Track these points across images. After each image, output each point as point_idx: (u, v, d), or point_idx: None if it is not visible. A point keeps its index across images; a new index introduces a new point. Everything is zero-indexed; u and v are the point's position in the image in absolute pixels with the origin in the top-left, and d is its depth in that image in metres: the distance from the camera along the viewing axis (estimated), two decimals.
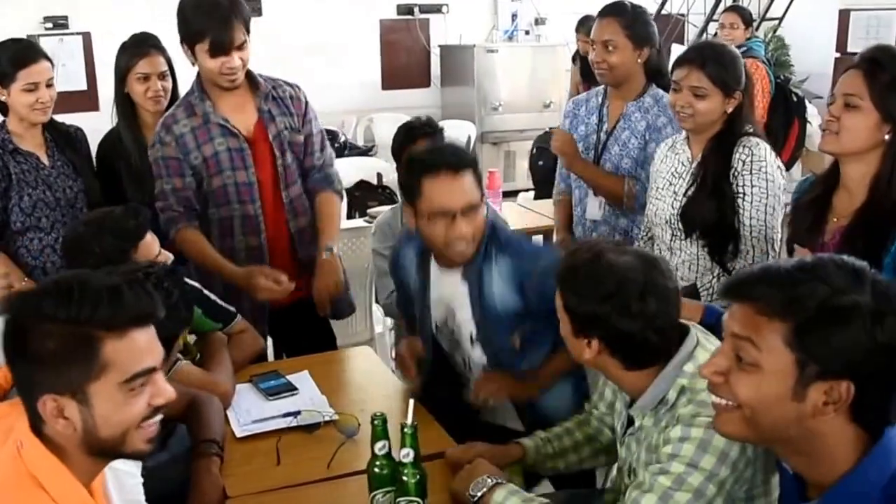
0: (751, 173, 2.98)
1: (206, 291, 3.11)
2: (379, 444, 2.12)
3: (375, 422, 2.12)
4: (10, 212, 3.39)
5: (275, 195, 3.44)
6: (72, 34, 7.98)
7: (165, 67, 3.76)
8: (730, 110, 3.05)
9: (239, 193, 3.37)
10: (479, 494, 2.20)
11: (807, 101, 7.96)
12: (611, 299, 2.02)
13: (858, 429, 1.54)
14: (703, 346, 2.09)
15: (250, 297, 3.31)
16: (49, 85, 3.42)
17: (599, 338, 2.07)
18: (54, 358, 1.56)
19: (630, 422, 2.22)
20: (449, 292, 2.80)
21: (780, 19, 9.69)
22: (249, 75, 3.38)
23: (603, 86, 3.79)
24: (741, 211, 3.00)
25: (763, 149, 3.01)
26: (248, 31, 3.25)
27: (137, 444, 1.67)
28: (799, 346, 1.51)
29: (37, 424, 1.63)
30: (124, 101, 3.78)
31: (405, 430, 2.09)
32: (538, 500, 2.18)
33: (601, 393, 2.52)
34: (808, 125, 7.66)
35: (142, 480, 2.01)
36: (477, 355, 2.84)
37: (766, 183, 2.98)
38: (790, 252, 2.72)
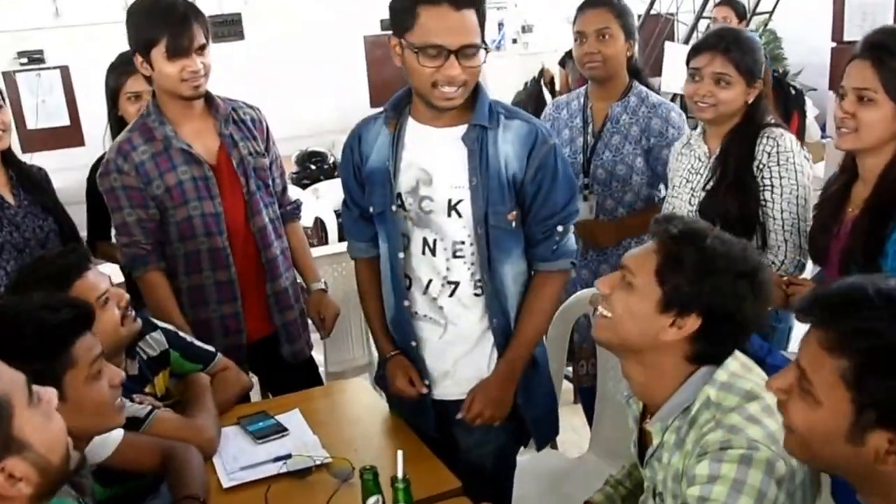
0: (778, 165, 2.89)
1: (181, 333, 2.97)
2: (371, 500, 2.00)
3: (366, 476, 2.01)
4: None
5: (242, 226, 3.25)
6: (49, 68, 7.84)
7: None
8: (751, 100, 2.96)
9: (206, 225, 3.15)
10: None
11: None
12: (739, 276, 1.85)
13: None
14: (735, 356, 1.92)
15: (224, 333, 3.18)
16: None
17: (700, 314, 1.86)
18: None
19: (641, 437, 2.07)
20: (427, 153, 2.55)
21: (771, 13, 9.60)
22: (208, 96, 3.18)
23: (584, 87, 3.68)
24: (770, 204, 2.90)
25: (788, 139, 2.92)
26: (207, 37, 3.05)
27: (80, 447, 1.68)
28: (857, 387, 1.40)
29: None
30: (118, 124, 3.59)
31: (397, 484, 1.96)
32: None
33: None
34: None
35: None
36: (453, 229, 2.56)
37: (794, 174, 2.89)
38: (811, 252, 2.71)
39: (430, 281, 2.62)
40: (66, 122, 7.65)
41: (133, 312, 2.68)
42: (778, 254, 2.90)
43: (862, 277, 1.52)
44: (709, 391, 1.88)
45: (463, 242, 2.56)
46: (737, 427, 1.81)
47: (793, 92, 6.17)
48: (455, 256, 2.57)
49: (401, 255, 2.61)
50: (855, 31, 8.57)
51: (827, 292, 1.51)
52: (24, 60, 7.73)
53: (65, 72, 7.82)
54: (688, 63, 3.02)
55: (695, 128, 3.23)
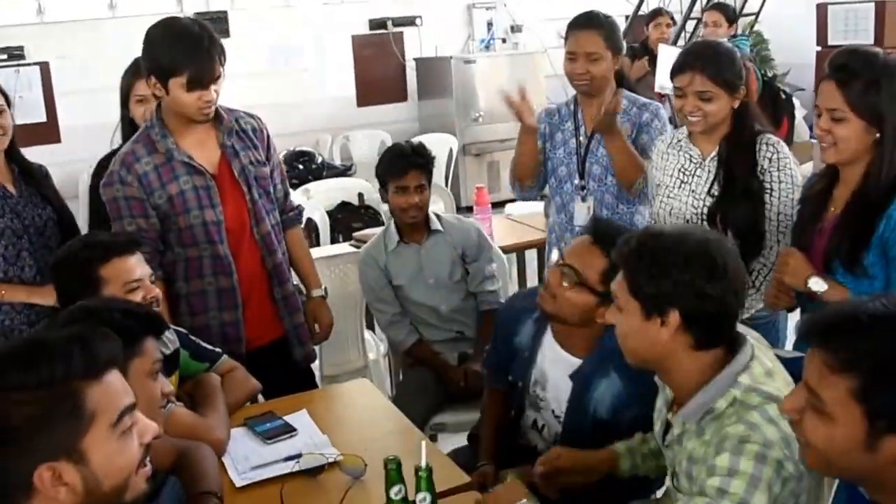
0: (778, 170, 3.03)
1: (190, 336, 2.99)
2: (395, 489, 2.04)
3: (390, 466, 2.04)
4: None
5: (245, 233, 3.28)
6: (28, 65, 7.78)
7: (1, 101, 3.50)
8: (736, 105, 3.05)
9: (207, 233, 3.18)
10: None
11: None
12: (692, 265, 1.98)
13: None
14: (758, 360, 2.04)
15: (223, 341, 3.20)
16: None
17: (680, 308, 2.00)
18: (39, 424, 1.47)
19: (668, 425, 2.17)
20: (551, 370, 2.77)
21: (757, 14, 9.67)
22: None
23: (573, 95, 3.80)
24: (769, 207, 3.02)
25: (783, 146, 3.07)
26: (223, 66, 3.09)
27: (139, 485, 1.63)
28: (867, 400, 1.48)
29: None
30: (128, 125, 3.64)
31: (420, 472, 2.01)
32: None
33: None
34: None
35: None
36: (555, 430, 2.78)
37: (791, 179, 3.02)
38: (795, 245, 2.80)
39: None
40: (42, 118, 7.59)
41: (158, 308, 2.71)
42: (769, 255, 3.00)
43: (850, 302, 1.67)
44: (735, 393, 1.99)
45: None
46: (756, 425, 1.93)
47: (783, 96, 6.19)
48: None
49: None
50: (838, 37, 8.73)
51: (824, 317, 1.59)
52: (4, 57, 7.67)
53: (44, 68, 7.76)
54: (672, 79, 3.12)
55: (676, 127, 3.30)
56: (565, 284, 2.59)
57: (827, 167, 2.77)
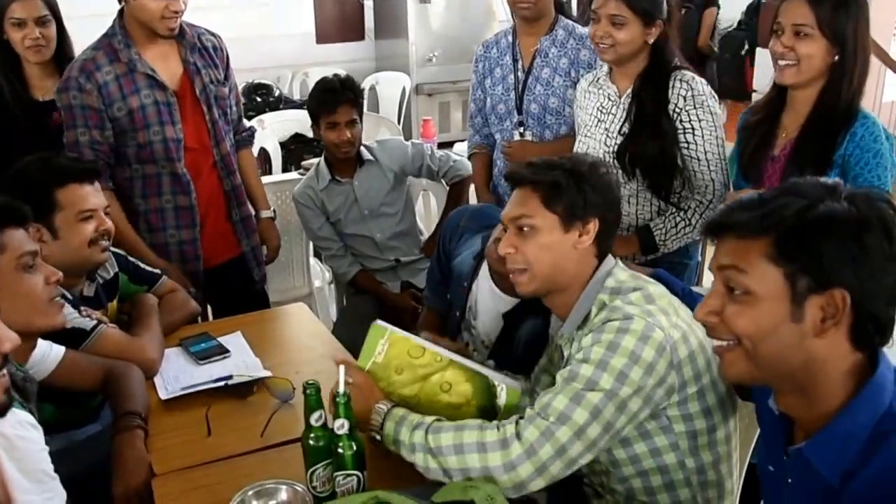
0: (695, 108, 2.95)
1: (130, 258, 2.97)
2: (315, 415, 1.96)
3: (308, 391, 1.95)
4: None
5: (204, 153, 3.27)
6: None
7: (45, 12, 3.42)
8: (651, 41, 2.98)
9: (167, 150, 3.16)
10: (379, 429, 2.09)
11: None
12: (602, 178, 2.17)
13: (857, 355, 1.51)
14: (619, 267, 2.17)
15: (181, 259, 3.18)
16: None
17: (600, 218, 2.13)
18: None
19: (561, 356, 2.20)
20: (482, 303, 2.79)
21: None
22: None
23: (511, 26, 3.72)
24: (693, 147, 2.96)
25: (699, 82, 2.99)
26: None
27: None
28: (784, 258, 1.48)
29: None
30: (3, 50, 3.44)
31: (337, 399, 1.93)
32: (426, 421, 2.05)
33: (541, 366, 2.47)
34: None
35: (47, 448, 1.90)
36: (482, 356, 2.75)
37: (711, 116, 2.97)
38: (744, 174, 2.83)
39: None
40: None
41: (107, 244, 2.69)
42: (706, 193, 2.98)
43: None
44: (602, 297, 2.07)
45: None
46: (617, 307, 2.00)
47: None
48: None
49: None
50: None
51: (726, 207, 1.61)
52: None
53: None
54: (589, 4, 3.06)
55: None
56: None
57: (769, 95, 2.77)
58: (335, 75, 3.88)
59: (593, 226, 2.13)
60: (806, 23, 2.54)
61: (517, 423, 1.95)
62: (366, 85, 7.96)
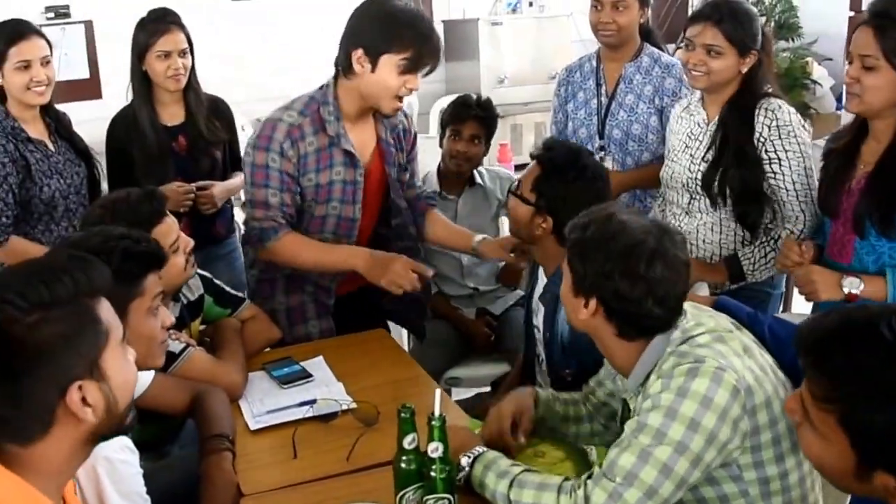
0: (780, 138, 2.91)
1: (215, 280, 3.02)
2: (408, 439, 1.97)
3: (403, 414, 1.96)
4: (31, 203, 3.24)
5: (369, 232, 3.23)
6: (74, 23, 7.80)
7: (186, 45, 3.60)
8: (745, 70, 2.97)
9: (338, 225, 3.10)
10: (466, 471, 2.09)
11: (816, 64, 7.83)
12: (617, 259, 1.96)
13: None
14: (685, 317, 2.03)
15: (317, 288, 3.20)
16: (45, 63, 3.27)
17: (598, 298, 2.01)
18: (67, 341, 1.46)
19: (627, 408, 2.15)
20: (538, 295, 2.83)
21: None
22: None
23: (595, 50, 3.74)
24: (780, 177, 2.92)
25: (786, 111, 2.94)
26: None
27: (131, 409, 1.62)
28: (849, 431, 1.43)
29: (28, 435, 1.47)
30: (142, 81, 3.62)
31: (433, 422, 1.94)
32: (513, 471, 2.03)
33: (599, 381, 2.42)
34: (818, 87, 7.56)
35: (141, 471, 1.96)
36: (543, 359, 2.82)
37: (798, 146, 2.92)
38: (822, 206, 2.76)
39: None
40: (86, 75, 7.66)
41: (193, 259, 2.75)
42: (797, 223, 2.92)
43: (847, 310, 1.55)
44: (669, 350, 1.99)
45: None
46: (685, 352, 1.93)
47: None
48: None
49: None
50: None
51: (811, 333, 1.51)
52: (51, 15, 7.72)
53: (89, 26, 7.80)
54: (684, 31, 3.06)
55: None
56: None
57: (854, 120, 2.68)
58: (477, 94, 3.98)
59: (593, 303, 2.04)
60: (870, 53, 2.45)
61: (585, 484, 1.91)
62: (436, 108, 8.00)
